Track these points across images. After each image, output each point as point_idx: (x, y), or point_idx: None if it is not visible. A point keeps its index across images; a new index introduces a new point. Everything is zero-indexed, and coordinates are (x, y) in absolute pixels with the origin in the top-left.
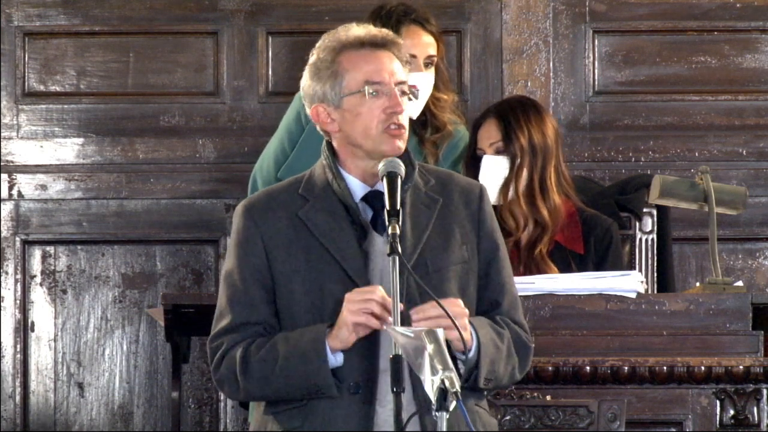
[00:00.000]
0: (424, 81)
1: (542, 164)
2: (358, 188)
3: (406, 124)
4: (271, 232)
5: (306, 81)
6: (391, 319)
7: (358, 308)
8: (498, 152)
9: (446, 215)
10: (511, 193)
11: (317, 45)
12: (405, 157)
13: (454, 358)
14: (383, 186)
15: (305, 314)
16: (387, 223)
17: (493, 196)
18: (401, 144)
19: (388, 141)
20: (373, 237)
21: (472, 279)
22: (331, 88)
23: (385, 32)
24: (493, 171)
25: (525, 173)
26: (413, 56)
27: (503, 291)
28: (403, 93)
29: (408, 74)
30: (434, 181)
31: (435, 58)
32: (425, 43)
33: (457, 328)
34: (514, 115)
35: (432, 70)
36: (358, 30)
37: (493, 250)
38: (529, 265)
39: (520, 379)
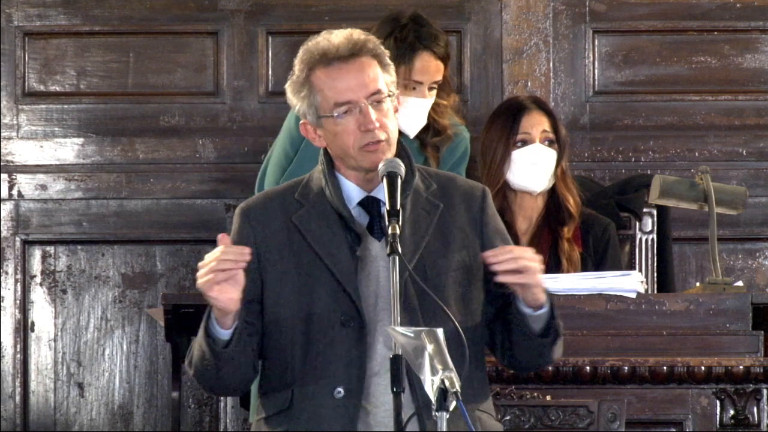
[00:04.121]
0: (424, 105)
1: (567, 154)
2: (354, 193)
3: (385, 135)
4: (265, 235)
5: (289, 96)
6: (246, 257)
7: (203, 278)
8: (549, 143)
9: (446, 220)
10: (556, 180)
11: (298, 55)
12: (406, 162)
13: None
14: (383, 188)
15: (291, 317)
16: (387, 223)
17: (542, 183)
18: (382, 156)
19: (367, 157)
20: (368, 242)
21: (474, 283)
22: (308, 107)
23: (354, 39)
24: (544, 159)
25: (563, 164)
26: (419, 82)
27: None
28: (378, 102)
29: (385, 73)
30: (436, 185)
31: (441, 80)
32: (434, 71)
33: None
34: (551, 109)
35: (434, 93)
36: (326, 43)
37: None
38: (558, 249)
39: (556, 360)
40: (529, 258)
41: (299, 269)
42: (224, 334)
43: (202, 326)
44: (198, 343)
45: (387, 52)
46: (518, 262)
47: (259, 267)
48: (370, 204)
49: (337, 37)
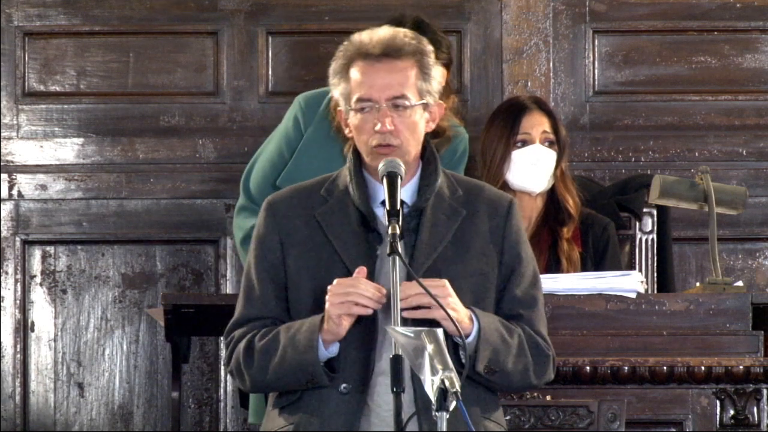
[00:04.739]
0: None
1: (566, 156)
2: (379, 192)
3: (398, 141)
4: (288, 229)
5: (330, 80)
6: (379, 304)
7: (340, 301)
8: (549, 143)
9: (468, 227)
10: (556, 181)
11: (344, 43)
12: (433, 166)
13: (456, 346)
14: (403, 189)
15: (307, 311)
16: (387, 223)
17: (542, 184)
18: None
19: (376, 159)
20: (387, 242)
21: (489, 291)
22: (340, 94)
23: (394, 40)
24: (543, 160)
25: (563, 165)
26: None
27: (522, 305)
28: (402, 108)
29: (422, 81)
30: (462, 192)
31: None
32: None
33: (443, 308)
34: (552, 110)
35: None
36: (366, 38)
37: (513, 264)
38: (557, 249)
39: (539, 386)
40: (433, 294)
41: (318, 265)
42: (324, 352)
43: (301, 343)
44: (293, 366)
45: (434, 61)
46: (420, 299)
47: (283, 262)
48: None
49: (379, 34)
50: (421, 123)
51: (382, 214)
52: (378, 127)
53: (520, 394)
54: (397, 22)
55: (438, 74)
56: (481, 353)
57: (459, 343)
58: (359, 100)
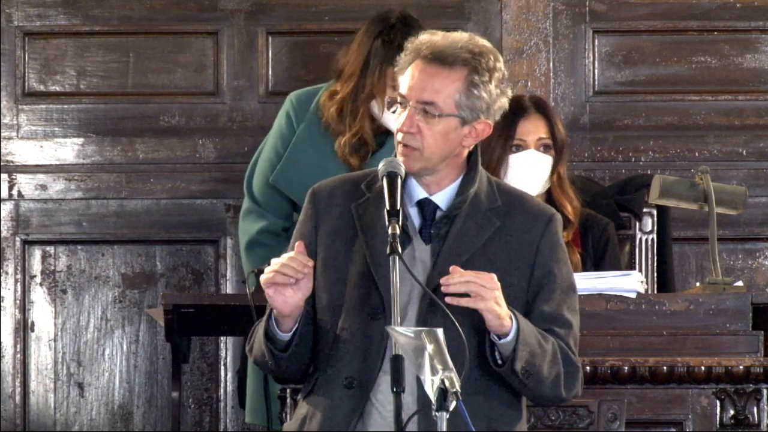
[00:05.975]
0: None
1: (565, 159)
2: (416, 192)
3: (418, 144)
4: (324, 218)
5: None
6: (301, 275)
7: (270, 270)
8: (544, 148)
9: (498, 240)
10: (552, 186)
11: (419, 37)
12: (471, 175)
13: (492, 345)
14: (446, 192)
15: (326, 305)
16: (387, 223)
17: (536, 189)
18: (410, 162)
19: (400, 156)
20: (415, 243)
21: (513, 305)
22: (398, 85)
23: (449, 48)
24: (538, 166)
25: (561, 170)
26: None
27: (551, 320)
28: (425, 112)
29: (462, 95)
30: (502, 202)
31: None
32: None
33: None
34: (552, 112)
35: None
36: (426, 39)
37: (544, 280)
38: None
39: (568, 399)
40: (482, 283)
41: (344, 258)
42: (281, 335)
43: (262, 324)
44: (258, 340)
45: (491, 80)
46: (467, 286)
47: (315, 250)
48: (425, 206)
49: (438, 38)
50: (452, 135)
51: (415, 214)
52: (400, 126)
53: None
54: (384, 18)
55: (491, 94)
56: (520, 352)
57: (494, 341)
58: (399, 94)
